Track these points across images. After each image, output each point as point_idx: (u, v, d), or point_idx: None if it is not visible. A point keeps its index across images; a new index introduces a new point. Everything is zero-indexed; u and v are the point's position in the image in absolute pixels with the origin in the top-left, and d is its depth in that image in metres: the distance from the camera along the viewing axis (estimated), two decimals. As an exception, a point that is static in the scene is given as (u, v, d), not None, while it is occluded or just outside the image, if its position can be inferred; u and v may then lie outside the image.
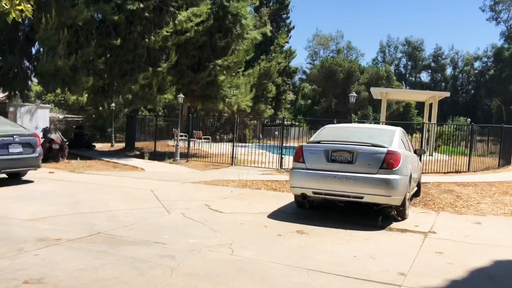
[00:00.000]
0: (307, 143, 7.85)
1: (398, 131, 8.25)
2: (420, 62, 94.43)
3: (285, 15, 47.86)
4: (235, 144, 15.63)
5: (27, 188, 9.34)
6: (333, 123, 13.03)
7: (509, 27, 76.30)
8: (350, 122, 14.87)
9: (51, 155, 14.77)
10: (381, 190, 6.88)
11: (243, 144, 22.35)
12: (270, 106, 36.32)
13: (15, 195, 8.48)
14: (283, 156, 14.62)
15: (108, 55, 17.62)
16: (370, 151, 7.16)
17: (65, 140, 15.63)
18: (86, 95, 23.05)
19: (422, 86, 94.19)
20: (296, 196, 7.99)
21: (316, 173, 7.33)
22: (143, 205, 8.04)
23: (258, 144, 24.37)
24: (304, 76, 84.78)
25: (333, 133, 8.19)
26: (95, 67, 16.76)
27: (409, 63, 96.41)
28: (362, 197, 7.03)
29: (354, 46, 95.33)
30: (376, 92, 22.84)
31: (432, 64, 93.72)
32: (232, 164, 15.54)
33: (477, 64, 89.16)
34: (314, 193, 7.38)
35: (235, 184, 10.95)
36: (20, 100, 20.81)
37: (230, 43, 18.83)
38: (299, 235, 6.27)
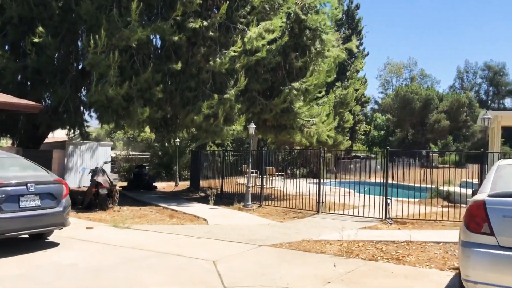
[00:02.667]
0: (490, 196, 4.28)
1: None
2: (503, 88, 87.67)
3: (358, 41, 44.67)
4: (321, 184, 12.24)
5: (38, 261, 6.51)
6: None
7: None
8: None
9: (98, 201, 12.22)
10: None
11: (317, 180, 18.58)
12: (347, 137, 32.66)
13: (9, 277, 5.65)
14: (389, 201, 11.02)
15: (168, 82, 15.19)
16: None
17: (114, 183, 13.08)
18: (148, 130, 20.88)
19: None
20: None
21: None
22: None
23: (335, 180, 20.67)
24: (376, 106, 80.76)
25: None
26: (153, 95, 14.33)
27: (491, 88, 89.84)
28: None
29: (428, 74, 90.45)
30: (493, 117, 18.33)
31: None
32: (318, 212, 12.12)
33: None
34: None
35: (334, 250, 7.53)
36: (80, 137, 18.99)
37: (309, 62, 15.77)
38: None
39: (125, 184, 20.53)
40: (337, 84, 31.67)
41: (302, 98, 16.33)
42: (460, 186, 17.05)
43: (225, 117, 14.92)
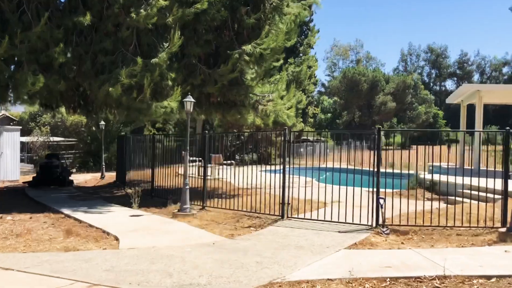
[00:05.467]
0: None
1: None
2: (444, 70, 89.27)
3: (308, 18, 41.65)
4: (286, 178, 8.88)
5: None
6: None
7: (543, 27, 70.15)
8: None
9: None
10: None
11: (280, 170, 14.87)
12: (301, 120, 29.68)
13: None
14: (382, 201, 7.83)
15: (75, 42, 11.22)
16: None
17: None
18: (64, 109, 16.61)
19: (447, 94, 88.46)
20: None
21: None
22: None
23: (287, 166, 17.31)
24: (322, 89, 79.25)
25: None
26: (51, 59, 10.36)
27: (433, 71, 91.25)
28: None
29: (374, 56, 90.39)
30: (466, 92, 15.79)
31: (458, 71, 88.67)
32: (282, 216, 8.76)
33: (505, 70, 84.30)
34: None
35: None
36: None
37: (263, 20, 12.24)
38: None
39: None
40: (289, 60, 28.58)
41: (255, 67, 12.83)
42: (431, 171, 14.45)
43: (154, 90, 11.21)
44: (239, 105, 13.03)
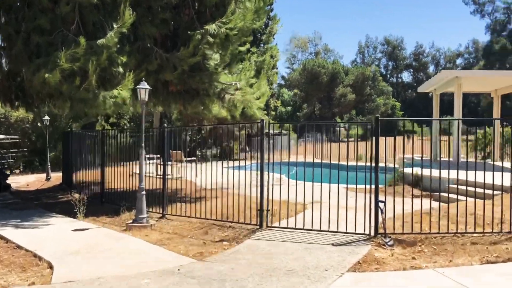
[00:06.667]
0: None
1: None
2: (401, 62, 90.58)
3: (268, 7, 40.21)
4: (265, 179, 7.39)
5: None
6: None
7: (494, 19, 72.12)
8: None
9: None
10: None
11: (232, 162, 12.93)
12: (265, 112, 28.27)
13: None
14: (382, 205, 6.52)
15: (3, 20, 9.29)
16: None
17: None
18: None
19: (404, 86, 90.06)
20: None
21: None
22: None
23: (256, 162, 15.71)
24: (282, 82, 78.46)
25: None
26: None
27: (390, 63, 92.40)
28: None
29: (332, 48, 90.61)
30: (444, 79, 14.70)
31: (414, 63, 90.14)
32: (261, 226, 7.28)
33: (459, 61, 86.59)
34: None
35: None
36: None
37: (229, -4, 10.69)
38: None
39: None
40: (252, 49, 27.07)
41: (220, 51, 11.24)
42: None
43: (102, 77, 9.44)
44: (202, 95, 11.41)
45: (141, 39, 10.41)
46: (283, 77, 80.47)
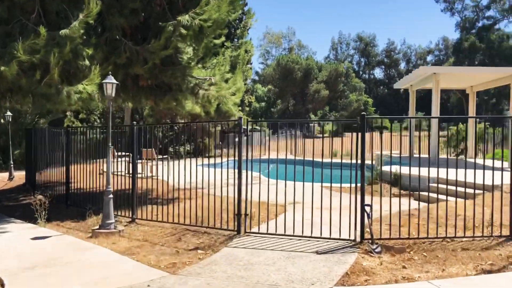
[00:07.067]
0: None
1: None
2: (373, 58, 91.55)
3: (242, 1, 39.62)
4: (243, 179, 6.88)
5: None
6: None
7: (463, 17, 73.47)
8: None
9: None
10: None
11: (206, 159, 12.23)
12: (240, 108, 27.75)
13: None
14: (368, 209, 6.13)
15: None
16: None
17: None
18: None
19: (376, 82, 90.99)
20: None
21: None
22: None
23: (233, 159, 14.98)
24: (256, 77, 78.06)
25: None
26: None
27: (362, 59, 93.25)
28: None
29: (305, 45, 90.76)
30: (422, 75, 14.49)
31: (385, 60, 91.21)
32: (238, 231, 6.77)
33: (430, 58, 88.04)
34: None
35: None
36: None
37: (203, -14, 10.09)
38: None
39: None
40: (226, 44, 26.46)
41: (194, 44, 10.65)
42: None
43: (66, 71, 8.75)
44: (175, 90, 10.79)
45: (109, 31, 9.71)
46: (257, 73, 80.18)
